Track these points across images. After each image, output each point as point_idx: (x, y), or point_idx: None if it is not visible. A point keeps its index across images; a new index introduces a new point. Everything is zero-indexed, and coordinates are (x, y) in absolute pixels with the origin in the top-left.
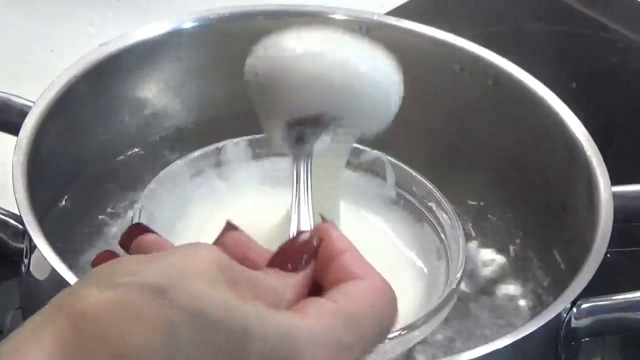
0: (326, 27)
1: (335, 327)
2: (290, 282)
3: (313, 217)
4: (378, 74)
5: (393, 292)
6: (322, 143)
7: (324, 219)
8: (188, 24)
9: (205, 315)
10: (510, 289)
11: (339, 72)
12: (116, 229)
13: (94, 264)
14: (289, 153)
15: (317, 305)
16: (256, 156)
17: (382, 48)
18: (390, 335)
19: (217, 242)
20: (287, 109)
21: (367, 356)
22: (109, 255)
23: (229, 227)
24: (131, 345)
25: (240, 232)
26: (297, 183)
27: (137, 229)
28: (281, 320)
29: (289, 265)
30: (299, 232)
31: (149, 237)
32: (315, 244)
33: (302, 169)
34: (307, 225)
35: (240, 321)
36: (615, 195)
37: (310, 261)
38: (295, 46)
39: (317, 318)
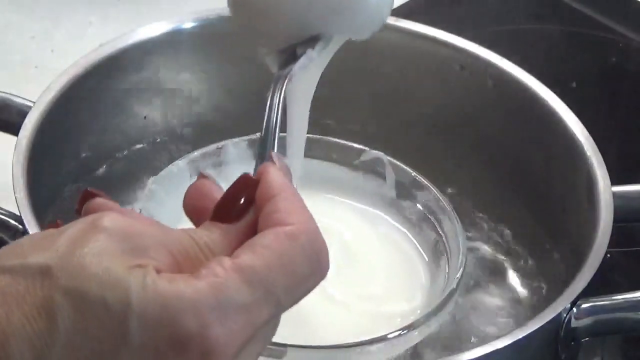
0: None
1: (227, 287)
2: (214, 238)
3: (276, 147)
4: None
5: (315, 237)
6: (310, 60)
7: (270, 157)
8: (188, 24)
9: (84, 294)
10: (510, 289)
11: None
12: None
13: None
14: (274, 72)
15: (214, 265)
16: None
17: None
18: (391, 336)
19: (186, 193)
20: (279, 37)
21: (284, 310)
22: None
23: (200, 176)
24: (12, 331)
25: (203, 182)
26: (269, 110)
27: (88, 194)
28: (164, 288)
29: (226, 217)
30: (241, 176)
31: (96, 201)
32: (249, 189)
33: (276, 94)
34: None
35: (120, 295)
36: (615, 195)
37: (246, 210)
38: None
39: (206, 281)
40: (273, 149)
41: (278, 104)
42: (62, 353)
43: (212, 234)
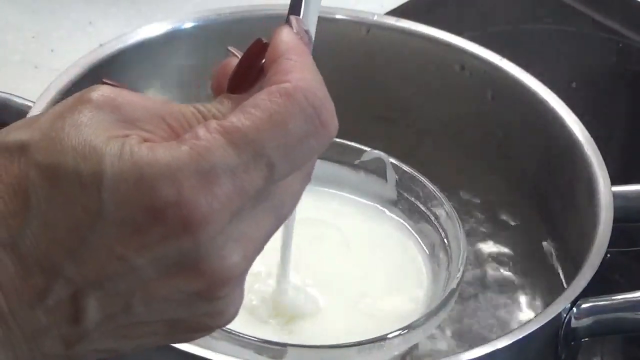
0: None
1: (209, 150)
2: (223, 110)
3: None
4: None
5: (314, 92)
6: None
7: (290, 21)
8: (188, 24)
9: (58, 166)
10: (510, 289)
11: None
12: None
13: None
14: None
15: (199, 129)
16: None
17: None
18: (391, 336)
19: (213, 73)
20: None
21: (281, 174)
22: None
23: (228, 54)
24: None
25: (229, 60)
26: None
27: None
28: (140, 156)
29: (239, 86)
30: (254, 41)
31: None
32: (262, 54)
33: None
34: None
35: (93, 166)
36: (615, 195)
37: (259, 77)
38: None
39: (187, 144)
40: (298, 14)
41: None
42: (37, 232)
43: (223, 106)
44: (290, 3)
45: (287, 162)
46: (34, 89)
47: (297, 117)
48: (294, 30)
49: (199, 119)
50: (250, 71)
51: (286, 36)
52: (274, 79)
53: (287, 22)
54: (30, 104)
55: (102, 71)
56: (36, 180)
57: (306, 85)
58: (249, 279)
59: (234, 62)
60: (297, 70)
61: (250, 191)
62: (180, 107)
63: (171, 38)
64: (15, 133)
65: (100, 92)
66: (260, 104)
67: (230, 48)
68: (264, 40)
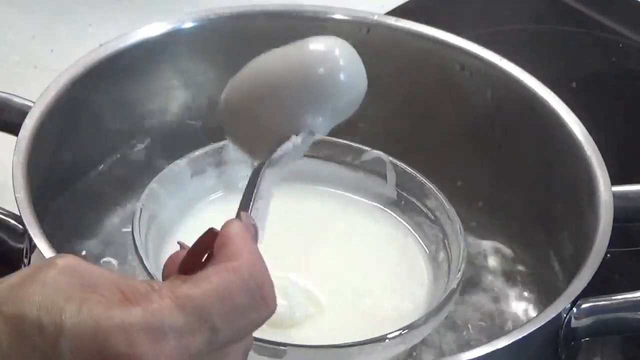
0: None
1: (160, 311)
2: (171, 286)
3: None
4: (339, 72)
5: (258, 271)
6: (293, 146)
7: (239, 215)
8: (188, 24)
9: (21, 317)
10: (510, 289)
11: (305, 91)
12: (116, 228)
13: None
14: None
15: (152, 294)
16: None
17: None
18: (391, 336)
19: (164, 265)
20: (266, 144)
21: (225, 339)
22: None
23: (180, 246)
24: None
25: (177, 253)
26: (249, 185)
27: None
28: (97, 312)
29: (188, 269)
30: (206, 230)
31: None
32: (209, 243)
33: (258, 173)
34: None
35: (54, 317)
36: (615, 195)
37: (207, 262)
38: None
39: (141, 306)
40: (247, 210)
41: (258, 182)
42: None
43: (172, 284)
44: (241, 201)
45: (230, 329)
46: (34, 89)
47: (241, 290)
48: (241, 223)
49: (148, 290)
50: (201, 255)
51: (235, 227)
52: (222, 258)
53: (238, 216)
54: (30, 104)
55: (102, 71)
56: (2, 328)
57: (250, 264)
58: None
59: (181, 254)
60: (243, 252)
61: (193, 350)
62: (135, 281)
63: (171, 38)
64: None
65: (65, 259)
66: (209, 276)
67: (179, 242)
68: (215, 230)
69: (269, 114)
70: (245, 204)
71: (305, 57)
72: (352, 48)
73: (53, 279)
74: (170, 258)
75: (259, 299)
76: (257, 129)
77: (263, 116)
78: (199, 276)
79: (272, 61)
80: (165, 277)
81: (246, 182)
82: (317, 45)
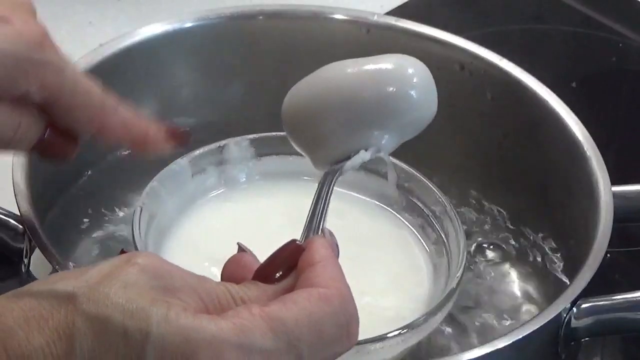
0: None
1: (251, 330)
2: (250, 294)
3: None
4: (410, 85)
5: (348, 304)
6: (362, 160)
7: (321, 230)
8: (188, 24)
9: (105, 320)
10: (510, 288)
11: (374, 106)
12: (117, 228)
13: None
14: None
15: (242, 309)
16: (258, 155)
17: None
18: (391, 335)
19: (225, 264)
20: (332, 156)
21: None
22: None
23: (239, 249)
24: (31, 354)
25: (241, 254)
26: (317, 196)
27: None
28: (186, 322)
29: (268, 277)
30: (289, 242)
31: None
32: (295, 255)
33: (326, 185)
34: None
35: (140, 323)
36: (615, 195)
37: (288, 273)
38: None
39: (232, 320)
40: (317, 232)
41: (327, 195)
42: None
43: (249, 290)
44: (312, 213)
45: (313, 358)
46: None
47: (331, 322)
48: (325, 240)
49: (227, 298)
50: (282, 266)
51: (323, 246)
52: (313, 281)
53: (312, 229)
54: None
55: (102, 71)
56: (82, 328)
57: (344, 297)
58: None
59: (245, 257)
60: (334, 279)
61: None
62: (212, 285)
63: (171, 38)
64: (62, 282)
65: (147, 258)
66: (302, 302)
67: (239, 243)
68: (298, 242)
69: (340, 127)
70: (318, 219)
71: (381, 74)
72: (426, 67)
73: (134, 279)
74: (235, 260)
75: (345, 334)
76: (325, 140)
77: (334, 128)
78: (289, 298)
79: (345, 74)
80: (226, 277)
81: (245, 182)
82: (393, 62)
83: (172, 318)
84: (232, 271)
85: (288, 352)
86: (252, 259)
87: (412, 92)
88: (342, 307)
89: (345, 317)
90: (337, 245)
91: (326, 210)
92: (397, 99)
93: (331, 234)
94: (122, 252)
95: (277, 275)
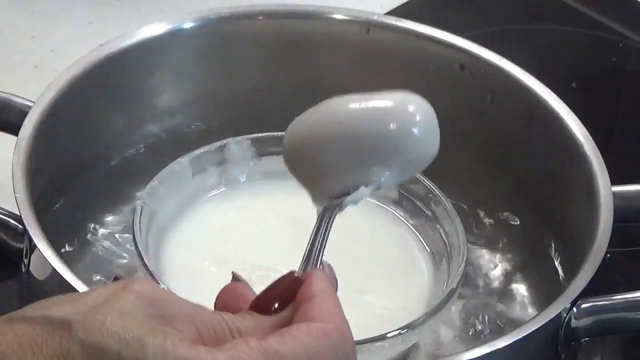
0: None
1: None
2: (246, 324)
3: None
4: (413, 124)
5: (347, 340)
6: (362, 197)
7: (320, 264)
8: (188, 24)
9: (100, 348)
10: (509, 288)
11: (376, 142)
12: (117, 228)
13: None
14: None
15: (239, 342)
16: (259, 154)
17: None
18: (390, 335)
19: (219, 294)
20: (331, 191)
21: None
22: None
23: (234, 278)
24: None
25: (235, 284)
26: (316, 230)
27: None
28: (182, 353)
29: (265, 308)
30: (288, 274)
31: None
32: (293, 287)
33: (325, 220)
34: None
35: (136, 353)
36: (615, 195)
37: (285, 305)
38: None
39: (229, 353)
40: (316, 265)
41: (326, 229)
42: None
43: (245, 321)
44: (310, 248)
45: None
46: (34, 89)
47: (329, 358)
48: (324, 274)
49: (223, 328)
50: (280, 298)
51: (321, 280)
52: (312, 315)
53: (310, 262)
54: (30, 104)
55: (102, 71)
56: (77, 356)
57: (342, 332)
58: None
59: (239, 287)
60: (333, 313)
61: None
62: (208, 314)
63: (171, 38)
64: (57, 308)
65: (143, 285)
66: (300, 336)
67: (234, 272)
68: (297, 275)
69: (341, 162)
70: (317, 252)
71: (384, 111)
72: (430, 106)
73: (130, 307)
74: (229, 289)
75: None
76: (325, 174)
77: (335, 163)
78: (287, 332)
79: (348, 109)
80: (220, 306)
81: (246, 182)
82: (397, 99)
83: (169, 349)
84: (227, 300)
85: None
86: (246, 289)
87: (415, 130)
88: (340, 343)
89: (343, 353)
90: (336, 280)
91: (325, 244)
92: (399, 136)
93: (330, 267)
94: (116, 278)
95: (275, 306)
